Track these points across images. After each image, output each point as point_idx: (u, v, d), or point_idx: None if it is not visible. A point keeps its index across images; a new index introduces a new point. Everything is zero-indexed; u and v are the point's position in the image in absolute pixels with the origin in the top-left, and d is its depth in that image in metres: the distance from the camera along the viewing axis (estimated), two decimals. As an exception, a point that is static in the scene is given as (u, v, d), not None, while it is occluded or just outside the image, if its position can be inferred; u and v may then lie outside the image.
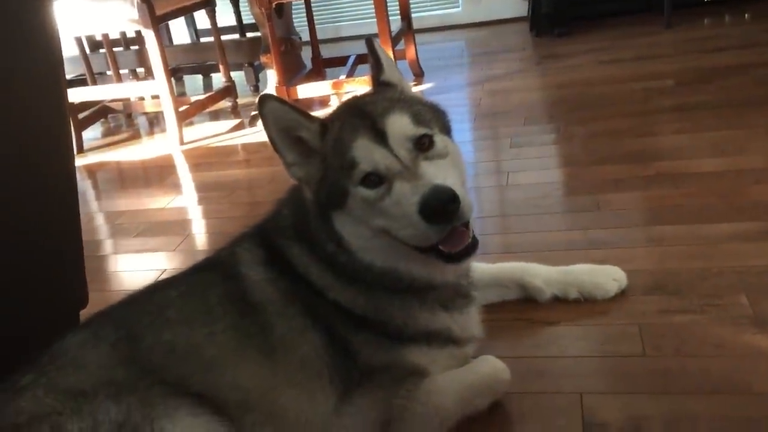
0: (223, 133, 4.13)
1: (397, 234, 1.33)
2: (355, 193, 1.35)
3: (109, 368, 1.36)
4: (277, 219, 1.58)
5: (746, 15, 4.78)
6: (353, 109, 1.45)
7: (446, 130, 1.47)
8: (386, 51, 4.02)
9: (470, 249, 1.34)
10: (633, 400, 1.48)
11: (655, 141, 2.94)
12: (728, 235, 2.05)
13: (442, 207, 1.25)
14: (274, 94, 1.44)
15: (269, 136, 1.42)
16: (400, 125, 1.36)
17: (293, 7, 5.09)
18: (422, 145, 1.35)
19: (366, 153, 1.34)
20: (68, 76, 4.52)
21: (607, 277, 1.86)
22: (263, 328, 1.42)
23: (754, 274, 1.83)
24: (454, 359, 1.52)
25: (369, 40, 1.59)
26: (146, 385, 1.32)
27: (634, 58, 4.22)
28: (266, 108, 1.40)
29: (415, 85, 4.42)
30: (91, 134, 4.49)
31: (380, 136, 1.34)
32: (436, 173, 1.30)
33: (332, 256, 1.44)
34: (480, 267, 1.86)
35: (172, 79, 4.48)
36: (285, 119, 1.41)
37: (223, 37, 4.59)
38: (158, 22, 3.74)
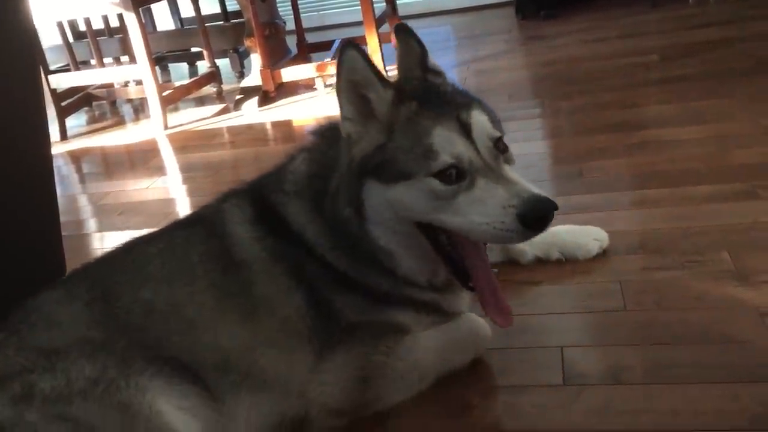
0: (207, 118, 4.10)
1: (461, 229, 1.29)
2: (424, 183, 1.28)
3: (83, 327, 1.34)
4: (281, 171, 1.51)
5: (731, -6, 4.78)
6: (427, 90, 1.38)
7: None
8: (371, 34, 4.02)
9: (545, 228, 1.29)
10: (613, 352, 1.47)
11: (639, 112, 2.93)
12: (710, 196, 2.05)
13: (545, 217, 1.23)
14: (356, 43, 1.34)
15: (337, 83, 1.34)
16: (484, 121, 1.32)
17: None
18: (499, 147, 1.32)
19: (449, 143, 1.27)
20: (53, 66, 4.49)
21: (588, 237, 1.85)
22: (246, 286, 1.39)
23: (736, 232, 1.83)
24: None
25: (402, 25, 1.48)
26: (123, 346, 1.30)
27: (619, 36, 4.22)
28: (346, 56, 1.30)
29: (401, 67, 4.40)
30: (75, 122, 4.45)
31: (464, 129, 1.29)
32: (522, 180, 1.28)
33: (343, 220, 1.37)
34: None
35: (157, 67, 4.47)
36: (360, 73, 1.32)
37: (207, 24, 4.56)
38: (139, 5, 3.72)
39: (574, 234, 1.87)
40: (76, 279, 1.47)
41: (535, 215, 1.22)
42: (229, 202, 1.52)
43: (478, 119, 1.31)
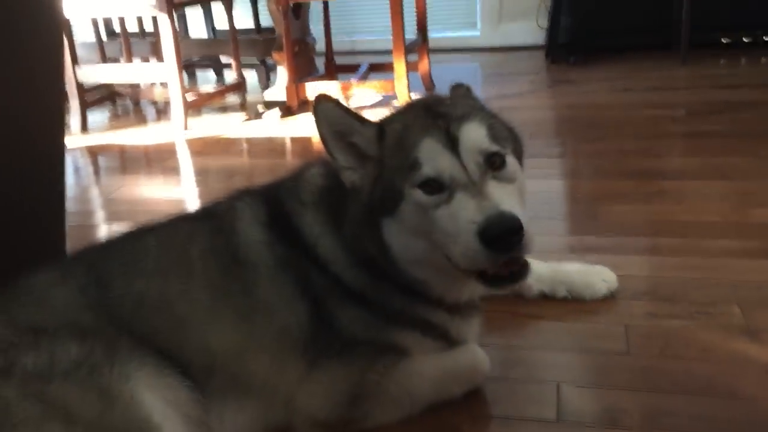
0: (229, 126, 4.11)
1: (443, 248, 1.24)
2: (410, 196, 1.25)
3: (74, 311, 1.31)
4: (298, 180, 1.48)
5: (762, 59, 4.76)
6: (424, 108, 1.36)
7: (518, 155, 1.37)
8: (399, 61, 4.02)
9: (516, 276, 1.23)
10: (612, 394, 1.42)
11: (661, 162, 2.90)
12: (725, 250, 2.00)
13: (507, 235, 1.15)
14: (330, 96, 1.35)
15: (321, 137, 1.33)
16: (475, 135, 1.26)
17: (311, 14, 5.12)
18: (493, 163, 1.26)
19: (432, 156, 1.24)
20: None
21: (597, 277, 1.81)
22: (247, 289, 1.36)
23: (749, 288, 1.78)
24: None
25: (459, 84, 1.47)
26: (112, 333, 1.26)
27: (647, 89, 4.19)
28: (320, 108, 1.31)
29: (426, 96, 4.40)
30: (98, 117, 4.48)
31: (451, 142, 1.25)
32: (503, 197, 1.20)
33: (372, 258, 1.34)
34: None
35: (185, 74, 4.50)
36: (339, 123, 1.32)
37: (239, 37, 4.60)
38: (174, 8, 3.75)
39: (583, 273, 1.82)
40: (73, 263, 1.45)
41: (492, 232, 1.14)
42: (242, 201, 1.48)
43: (468, 131, 1.26)
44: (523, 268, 1.22)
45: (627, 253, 2.04)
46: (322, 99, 1.32)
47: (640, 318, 1.69)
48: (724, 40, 5.16)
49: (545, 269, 1.83)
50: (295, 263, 1.37)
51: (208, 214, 1.51)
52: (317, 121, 1.32)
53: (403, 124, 1.32)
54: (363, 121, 1.34)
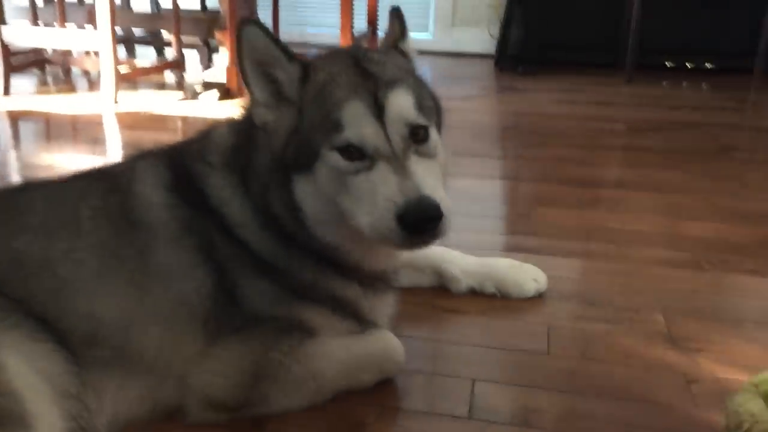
0: (164, 104, 3.93)
1: (353, 217, 1.18)
2: (327, 158, 1.18)
3: None
4: (204, 141, 1.37)
5: (703, 84, 4.86)
6: (352, 59, 1.26)
7: (439, 128, 1.32)
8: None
9: (428, 241, 1.19)
10: (528, 393, 1.35)
11: (597, 171, 2.89)
12: (654, 259, 1.97)
13: (425, 223, 1.12)
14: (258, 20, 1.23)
15: (240, 66, 1.23)
16: (403, 105, 1.19)
17: (260, 3, 4.99)
18: (417, 136, 1.20)
19: (356, 121, 1.17)
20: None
21: (527, 276, 1.75)
22: (141, 253, 1.23)
23: (674, 298, 1.75)
24: (352, 335, 1.35)
25: (396, 8, 1.42)
26: None
27: (590, 102, 4.22)
28: (245, 32, 1.21)
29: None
30: (24, 83, 4.24)
31: (378, 109, 1.18)
32: (425, 176, 1.15)
33: (279, 217, 1.25)
34: None
35: (123, 47, 4.30)
36: (262, 51, 1.22)
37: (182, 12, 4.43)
38: (114, -26, 3.58)
39: (513, 270, 1.75)
40: None
41: (411, 218, 1.11)
42: (144, 161, 1.36)
43: (397, 101, 1.19)
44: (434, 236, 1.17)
45: (557, 255, 1.99)
46: (248, 23, 1.21)
47: (564, 319, 1.64)
48: (668, 64, 5.27)
49: (474, 264, 1.76)
50: (197, 227, 1.26)
51: (104, 173, 1.38)
52: (238, 46, 1.22)
53: (330, 74, 1.23)
54: (290, 56, 1.24)
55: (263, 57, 1.23)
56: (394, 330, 1.42)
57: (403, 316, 1.59)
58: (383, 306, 1.39)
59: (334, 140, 1.17)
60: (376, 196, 1.13)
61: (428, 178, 1.16)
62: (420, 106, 1.21)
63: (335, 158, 1.17)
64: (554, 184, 2.66)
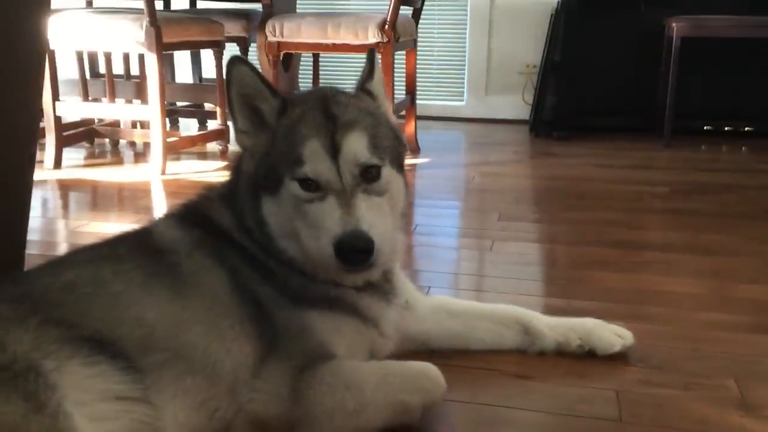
0: (208, 171, 4.02)
1: (303, 240, 1.34)
2: (289, 186, 1.35)
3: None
4: (206, 193, 1.55)
5: (743, 147, 4.84)
6: (321, 101, 1.42)
7: (398, 162, 1.45)
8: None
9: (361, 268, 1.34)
10: (604, 462, 1.31)
11: (645, 234, 2.87)
12: (715, 323, 1.93)
13: (356, 253, 1.28)
14: (246, 59, 1.44)
15: (228, 99, 1.42)
16: (356, 147, 1.34)
17: (301, 70, 5.13)
18: (368, 174, 1.35)
19: (313, 158, 1.33)
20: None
21: (611, 332, 1.73)
22: (171, 267, 1.37)
23: (744, 362, 1.70)
24: (362, 336, 1.43)
25: (372, 49, 1.57)
26: (37, 322, 1.18)
27: (629, 166, 4.21)
28: (234, 71, 1.39)
29: (410, 158, 4.37)
30: (75, 155, 4.35)
31: (333, 149, 1.33)
32: (367, 213, 1.31)
33: (251, 230, 1.43)
34: (473, 303, 1.81)
35: (167, 119, 4.43)
36: (249, 86, 1.40)
37: (226, 84, 4.56)
38: (163, 49, 3.70)
39: (598, 326, 1.74)
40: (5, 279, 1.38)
41: (344, 248, 1.26)
42: (158, 218, 1.56)
43: (351, 142, 1.34)
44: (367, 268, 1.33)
45: (613, 318, 1.94)
46: (237, 61, 1.39)
47: (632, 384, 1.59)
48: (705, 128, 5.26)
49: (558, 320, 1.76)
50: (207, 243, 1.41)
51: (125, 233, 1.54)
52: (227, 82, 1.40)
53: (302, 111, 1.39)
54: (273, 90, 1.42)
55: (250, 91, 1.40)
56: (451, 393, 1.41)
57: (463, 377, 1.59)
58: (382, 310, 1.46)
59: (295, 172, 1.34)
60: (322, 224, 1.30)
61: (370, 213, 1.31)
62: (375, 146, 1.36)
63: (295, 187, 1.34)
64: (599, 246, 2.64)
